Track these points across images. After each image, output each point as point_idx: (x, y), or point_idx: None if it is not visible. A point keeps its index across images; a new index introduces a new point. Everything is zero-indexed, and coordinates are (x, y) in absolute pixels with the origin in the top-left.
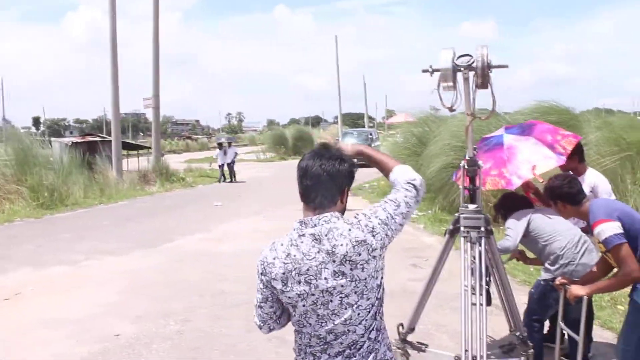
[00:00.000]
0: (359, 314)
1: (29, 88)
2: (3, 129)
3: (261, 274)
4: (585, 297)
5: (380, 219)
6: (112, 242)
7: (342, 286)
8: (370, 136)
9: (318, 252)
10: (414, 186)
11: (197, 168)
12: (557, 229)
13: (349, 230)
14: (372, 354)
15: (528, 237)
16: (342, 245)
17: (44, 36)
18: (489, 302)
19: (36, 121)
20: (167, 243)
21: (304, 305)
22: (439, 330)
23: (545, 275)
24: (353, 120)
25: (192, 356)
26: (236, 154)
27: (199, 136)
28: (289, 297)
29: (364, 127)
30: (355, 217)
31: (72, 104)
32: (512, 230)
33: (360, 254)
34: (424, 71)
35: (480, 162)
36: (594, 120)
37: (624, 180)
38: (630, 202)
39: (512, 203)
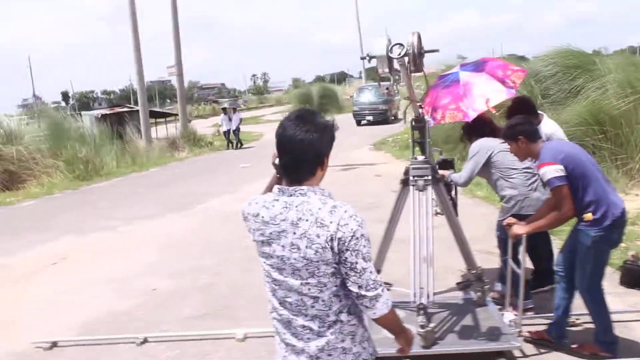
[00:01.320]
0: (309, 289)
1: (55, 63)
2: (34, 105)
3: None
4: (524, 235)
5: (353, 234)
6: (147, 207)
7: (295, 259)
8: (386, 90)
9: (283, 220)
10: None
11: None
12: (515, 165)
13: (319, 209)
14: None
15: (488, 165)
16: (306, 220)
17: (66, 8)
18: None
19: (65, 96)
20: (198, 205)
21: (265, 263)
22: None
23: (501, 216)
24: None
25: (223, 303)
26: (240, 119)
27: (225, 99)
28: (259, 252)
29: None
30: (335, 205)
31: (99, 75)
32: (470, 164)
33: (318, 236)
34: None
35: (427, 118)
36: (612, 62)
37: (638, 122)
38: None
39: (478, 126)
